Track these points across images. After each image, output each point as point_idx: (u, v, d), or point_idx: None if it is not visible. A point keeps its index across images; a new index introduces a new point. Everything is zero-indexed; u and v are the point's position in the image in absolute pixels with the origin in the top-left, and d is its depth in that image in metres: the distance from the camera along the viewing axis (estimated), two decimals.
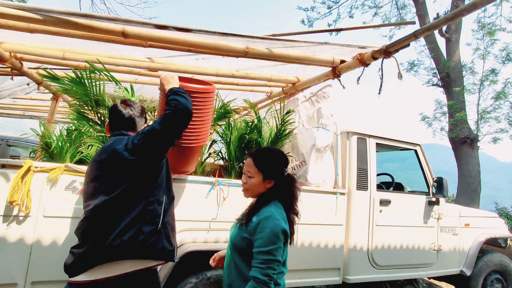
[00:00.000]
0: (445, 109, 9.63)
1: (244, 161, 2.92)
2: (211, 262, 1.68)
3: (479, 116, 9.24)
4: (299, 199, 1.51)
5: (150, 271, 1.48)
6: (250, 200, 1.49)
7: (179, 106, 1.41)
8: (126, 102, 1.68)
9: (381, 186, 3.64)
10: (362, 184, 3.09)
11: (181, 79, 1.77)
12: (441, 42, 9.48)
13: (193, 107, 1.60)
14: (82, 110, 2.43)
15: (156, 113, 2.69)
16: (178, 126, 1.45)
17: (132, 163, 1.39)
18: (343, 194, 2.93)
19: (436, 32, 9.11)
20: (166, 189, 1.56)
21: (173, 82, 1.62)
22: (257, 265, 1.29)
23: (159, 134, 1.40)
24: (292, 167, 2.92)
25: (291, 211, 1.46)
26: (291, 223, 1.43)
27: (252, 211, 1.44)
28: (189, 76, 2.13)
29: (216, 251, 2.46)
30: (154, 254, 1.43)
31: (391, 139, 3.41)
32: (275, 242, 1.31)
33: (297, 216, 1.49)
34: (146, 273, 1.46)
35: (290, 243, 1.46)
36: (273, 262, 1.29)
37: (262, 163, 1.46)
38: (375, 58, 2.26)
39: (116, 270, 1.36)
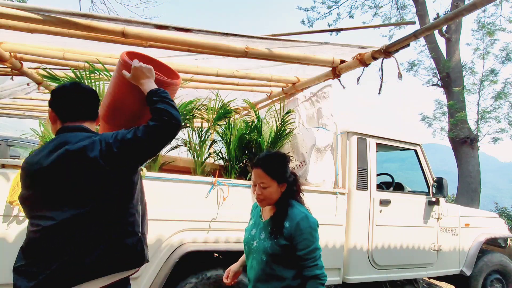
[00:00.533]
0: (445, 109, 9.63)
1: (244, 161, 2.94)
2: (225, 280, 1.67)
3: (479, 116, 9.25)
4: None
5: (127, 278, 1.37)
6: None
7: (173, 121, 1.25)
8: (81, 84, 1.39)
9: (381, 186, 3.64)
10: (362, 184, 3.09)
11: (144, 59, 1.57)
12: (441, 42, 9.49)
13: None
14: None
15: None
16: (166, 141, 1.30)
17: (109, 172, 1.19)
18: (343, 194, 2.93)
19: (436, 32, 9.11)
20: (141, 195, 1.43)
21: (150, 77, 1.40)
22: (312, 264, 1.37)
23: (142, 146, 1.22)
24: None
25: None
26: None
27: (281, 218, 1.46)
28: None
29: (216, 251, 2.49)
30: (137, 263, 1.33)
31: (391, 139, 3.41)
32: (317, 237, 1.43)
33: None
34: (125, 280, 1.34)
35: None
36: (320, 253, 1.43)
37: (274, 171, 1.48)
38: (375, 58, 2.26)
39: (94, 285, 1.20)
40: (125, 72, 1.42)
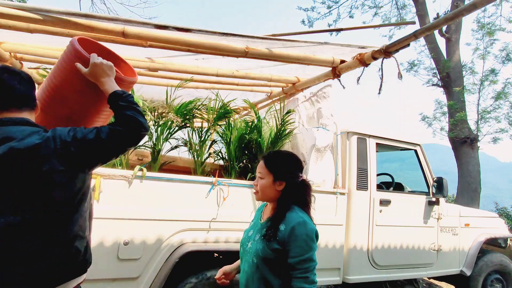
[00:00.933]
0: (445, 109, 9.63)
1: (244, 161, 2.94)
2: (218, 280, 1.60)
3: (479, 116, 9.25)
4: (312, 207, 1.45)
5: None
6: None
7: (142, 131, 1.20)
8: (10, 67, 1.19)
9: (381, 186, 3.64)
10: (362, 184, 3.09)
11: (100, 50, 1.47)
12: (441, 42, 9.50)
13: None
14: None
15: (155, 113, 2.69)
16: (130, 147, 1.23)
17: (63, 172, 1.08)
18: (343, 194, 2.93)
19: (436, 32, 9.11)
20: (89, 197, 1.31)
21: (111, 75, 1.29)
22: (301, 276, 1.25)
23: (105, 149, 1.15)
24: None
25: (310, 216, 1.42)
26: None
27: (277, 219, 1.37)
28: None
29: (216, 251, 2.49)
30: (84, 269, 1.25)
31: (391, 139, 3.41)
32: (313, 247, 1.28)
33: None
34: None
35: None
36: (314, 267, 1.28)
37: (273, 164, 1.43)
38: (375, 58, 2.26)
39: None
40: (80, 66, 1.27)
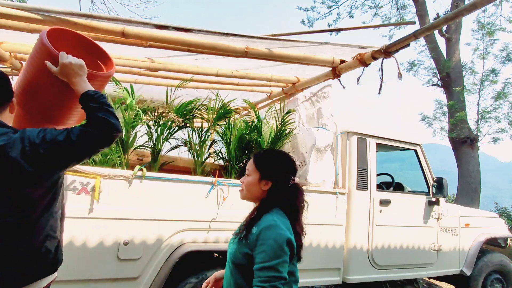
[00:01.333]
0: (445, 109, 9.63)
1: (244, 161, 2.94)
2: (206, 285, 1.46)
3: (479, 116, 9.25)
4: (304, 214, 1.33)
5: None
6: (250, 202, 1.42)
7: (114, 133, 1.17)
8: None
9: (381, 186, 3.64)
10: (362, 184, 3.09)
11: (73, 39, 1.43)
12: (441, 42, 9.49)
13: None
14: None
15: (155, 113, 2.69)
16: (102, 149, 1.20)
17: (31, 174, 1.07)
18: (343, 194, 2.93)
19: (436, 32, 9.11)
20: (61, 197, 1.31)
21: (83, 74, 1.25)
22: (259, 285, 1.08)
23: (75, 151, 1.12)
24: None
25: (296, 222, 1.29)
26: (298, 235, 1.26)
27: (252, 220, 1.25)
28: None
29: (216, 251, 2.49)
30: (54, 268, 1.27)
31: (391, 139, 3.41)
32: (280, 256, 1.11)
33: (302, 232, 1.32)
34: None
35: (299, 260, 1.31)
36: (278, 279, 1.08)
37: (261, 161, 1.33)
38: (375, 58, 2.26)
39: None
40: (49, 64, 1.22)
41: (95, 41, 1.58)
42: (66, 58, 1.22)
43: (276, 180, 1.30)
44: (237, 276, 1.22)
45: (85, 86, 1.23)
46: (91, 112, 1.17)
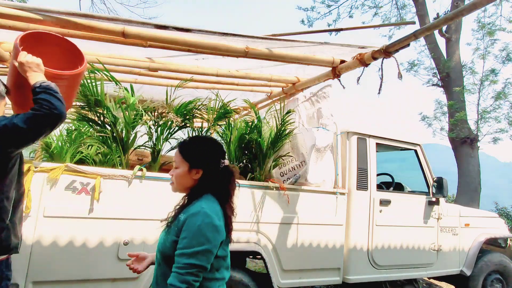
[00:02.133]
0: (445, 109, 9.63)
1: (244, 161, 2.94)
2: (129, 263, 1.42)
3: (479, 116, 9.25)
4: (235, 196, 1.32)
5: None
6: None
7: (54, 112, 1.26)
8: None
9: (381, 186, 3.64)
10: (362, 184, 3.09)
11: (46, 40, 1.59)
12: (441, 42, 9.49)
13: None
14: (82, 111, 2.43)
15: (155, 113, 2.69)
16: (47, 131, 1.29)
17: None
18: (343, 194, 2.93)
19: (436, 32, 9.11)
20: (17, 184, 1.41)
21: (38, 71, 1.38)
22: (176, 270, 1.06)
23: (21, 134, 1.23)
24: (292, 167, 2.92)
25: (227, 205, 1.25)
26: (228, 219, 1.24)
27: (180, 208, 1.24)
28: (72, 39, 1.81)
29: None
30: (2, 250, 1.35)
31: (391, 139, 3.41)
32: (202, 244, 1.07)
33: (233, 214, 1.29)
34: None
35: (229, 242, 1.30)
36: (196, 267, 1.06)
37: (187, 151, 1.29)
38: (375, 58, 2.26)
39: None
40: (14, 61, 1.38)
41: (73, 41, 1.78)
42: (24, 56, 1.36)
43: (207, 167, 1.26)
44: (165, 268, 1.17)
45: (38, 79, 1.35)
46: (35, 96, 1.28)
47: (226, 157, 1.40)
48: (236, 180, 1.36)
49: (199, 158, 1.27)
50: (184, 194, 1.30)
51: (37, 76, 1.36)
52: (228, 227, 1.22)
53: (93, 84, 2.33)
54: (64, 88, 1.53)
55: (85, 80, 2.30)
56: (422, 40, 10.07)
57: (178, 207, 1.27)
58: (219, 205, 1.22)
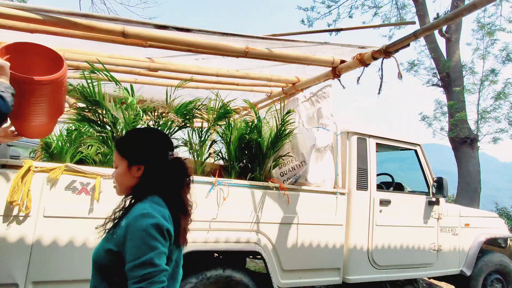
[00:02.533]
0: (445, 109, 9.63)
1: (244, 161, 2.94)
2: None
3: (479, 116, 9.24)
4: (190, 191, 1.17)
5: None
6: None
7: None
8: None
9: (381, 186, 3.64)
10: (362, 184, 3.09)
11: (25, 50, 1.72)
12: (441, 42, 9.48)
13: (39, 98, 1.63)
14: (82, 111, 2.43)
15: (155, 113, 2.69)
16: None
17: None
18: (343, 194, 2.93)
19: (436, 32, 9.10)
20: None
21: (3, 74, 1.45)
22: (136, 287, 0.91)
23: None
24: (292, 167, 2.92)
25: (177, 208, 1.10)
26: (180, 224, 1.09)
27: (121, 211, 1.09)
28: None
29: (216, 251, 2.49)
30: None
31: (391, 139, 3.41)
32: (154, 247, 0.94)
33: (185, 213, 1.12)
34: None
35: (182, 244, 1.13)
36: (158, 273, 0.93)
37: (125, 146, 1.13)
38: (375, 58, 2.26)
39: None
40: None
41: (54, 49, 1.89)
42: None
43: (148, 162, 1.11)
44: (97, 280, 1.02)
45: None
46: None
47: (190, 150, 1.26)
48: (192, 175, 1.20)
49: (138, 152, 1.11)
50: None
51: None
52: (179, 233, 1.07)
53: (93, 84, 2.33)
54: (49, 94, 1.72)
55: (85, 81, 2.30)
56: (422, 40, 10.06)
57: (118, 210, 1.11)
58: (167, 209, 1.06)
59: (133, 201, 1.10)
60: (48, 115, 1.84)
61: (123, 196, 1.14)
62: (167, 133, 2.62)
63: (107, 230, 1.08)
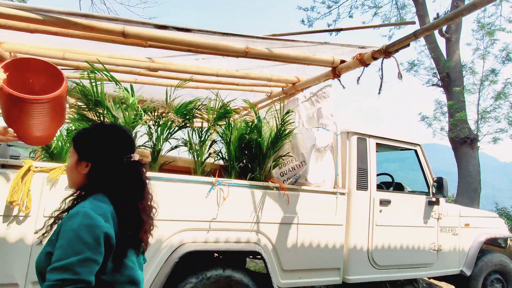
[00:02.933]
0: (445, 109, 9.62)
1: (244, 161, 2.94)
2: None
3: (479, 116, 9.24)
4: (149, 195, 1.13)
5: None
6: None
7: None
8: None
9: (381, 186, 3.64)
10: (362, 184, 3.09)
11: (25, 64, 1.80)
12: (441, 42, 9.48)
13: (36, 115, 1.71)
14: (81, 111, 2.43)
15: (155, 113, 2.70)
16: None
17: None
18: (343, 194, 2.93)
19: (436, 32, 9.10)
20: None
21: None
22: None
23: None
24: (292, 167, 2.92)
25: (126, 207, 1.03)
26: (128, 224, 1.01)
27: (60, 212, 1.05)
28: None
29: (216, 251, 2.49)
30: None
31: (391, 139, 3.41)
32: (80, 252, 0.85)
33: (136, 218, 1.04)
34: None
35: (137, 249, 1.05)
36: (72, 283, 0.82)
37: (79, 139, 1.07)
38: (375, 58, 2.26)
39: None
40: None
41: (56, 66, 1.98)
42: None
43: (96, 160, 1.04)
44: (41, 284, 0.94)
45: None
46: None
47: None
48: (147, 182, 1.14)
49: (87, 148, 1.05)
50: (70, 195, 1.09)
51: None
52: (130, 236, 1.00)
53: (93, 84, 2.33)
54: (49, 109, 1.78)
55: (85, 81, 2.30)
56: (422, 40, 10.06)
57: (57, 211, 1.05)
58: (111, 206, 0.99)
59: (75, 200, 1.06)
60: (49, 127, 1.91)
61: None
62: (167, 132, 2.62)
63: (45, 233, 1.03)
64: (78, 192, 1.07)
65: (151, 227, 1.14)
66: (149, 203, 1.14)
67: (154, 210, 1.17)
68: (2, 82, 1.60)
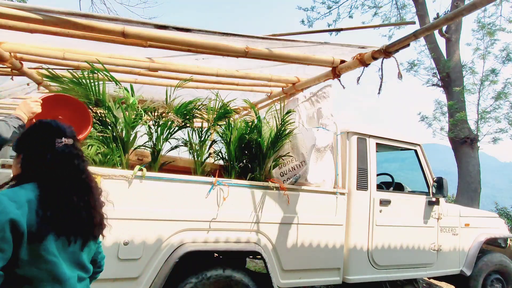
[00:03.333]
0: (445, 109, 9.63)
1: (244, 161, 2.94)
2: None
3: (479, 116, 9.24)
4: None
5: None
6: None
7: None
8: None
9: (381, 186, 3.64)
10: (362, 184, 3.09)
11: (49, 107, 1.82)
12: (441, 42, 9.49)
13: None
14: None
15: (155, 113, 2.70)
16: None
17: None
18: (343, 194, 2.93)
19: (436, 32, 9.11)
20: None
21: (23, 109, 1.61)
22: None
23: None
24: (292, 167, 2.92)
25: (51, 189, 1.01)
26: (48, 206, 0.97)
27: None
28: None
29: (216, 251, 2.49)
30: None
31: (391, 139, 3.41)
32: None
33: (67, 202, 1.02)
34: None
35: (60, 237, 0.99)
36: None
37: (20, 136, 1.15)
38: (375, 58, 2.26)
39: None
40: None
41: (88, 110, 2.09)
42: (28, 100, 1.65)
43: (25, 150, 1.08)
44: None
45: (15, 112, 1.58)
46: None
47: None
48: (84, 160, 1.18)
49: (19, 141, 1.10)
50: None
51: (19, 110, 1.58)
52: (45, 216, 0.95)
53: (94, 84, 2.33)
54: None
55: (86, 81, 2.30)
56: (422, 40, 10.06)
57: None
58: (34, 193, 0.97)
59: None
60: None
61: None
62: (167, 132, 2.61)
63: None
64: (11, 183, 1.06)
65: (92, 212, 1.14)
66: (88, 185, 1.15)
67: (100, 197, 1.21)
68: (33, 115, 1.65)
